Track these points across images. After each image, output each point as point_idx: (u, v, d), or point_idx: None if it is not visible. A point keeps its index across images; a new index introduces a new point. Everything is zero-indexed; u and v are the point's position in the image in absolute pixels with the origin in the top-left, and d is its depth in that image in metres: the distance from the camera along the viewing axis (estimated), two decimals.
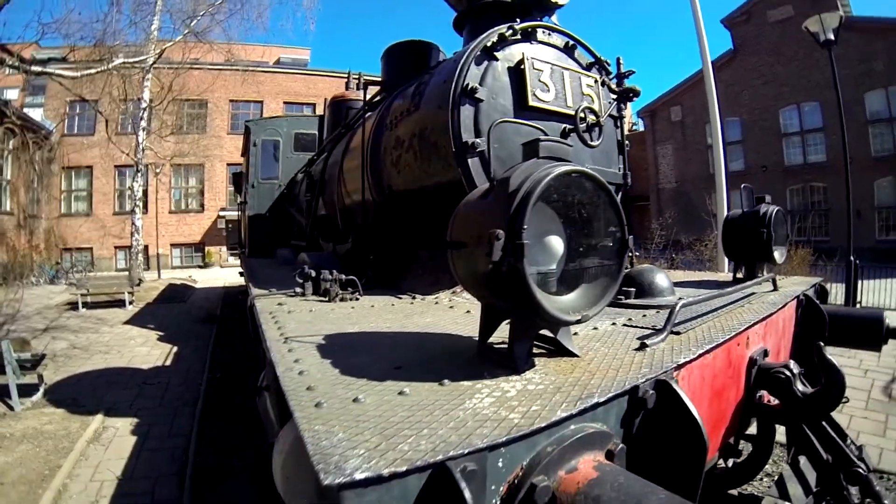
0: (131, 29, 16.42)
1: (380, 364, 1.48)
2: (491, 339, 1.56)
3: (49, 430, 5.93)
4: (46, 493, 4.50)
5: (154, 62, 16.28)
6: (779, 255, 3.47)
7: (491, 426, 1.05)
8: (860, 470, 2.32)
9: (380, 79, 5.18)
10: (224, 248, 31.83)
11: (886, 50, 23.39)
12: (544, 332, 1.51)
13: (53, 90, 27.32)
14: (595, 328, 2.01)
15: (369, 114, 4.61)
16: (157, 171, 22.39)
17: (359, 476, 0.83)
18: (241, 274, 14.50)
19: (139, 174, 19.68)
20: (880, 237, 24.24)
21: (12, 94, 25.07)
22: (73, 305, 14.82)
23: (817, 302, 3.14)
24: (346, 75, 6.90)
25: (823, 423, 2.32)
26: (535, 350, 1.55)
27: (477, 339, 1.60)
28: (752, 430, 2.87)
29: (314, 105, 31.03)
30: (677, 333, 1.78)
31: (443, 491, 0.91)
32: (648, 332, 1.80)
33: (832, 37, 10.70)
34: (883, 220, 24.46)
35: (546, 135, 1.65)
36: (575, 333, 1.79)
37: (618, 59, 3.66)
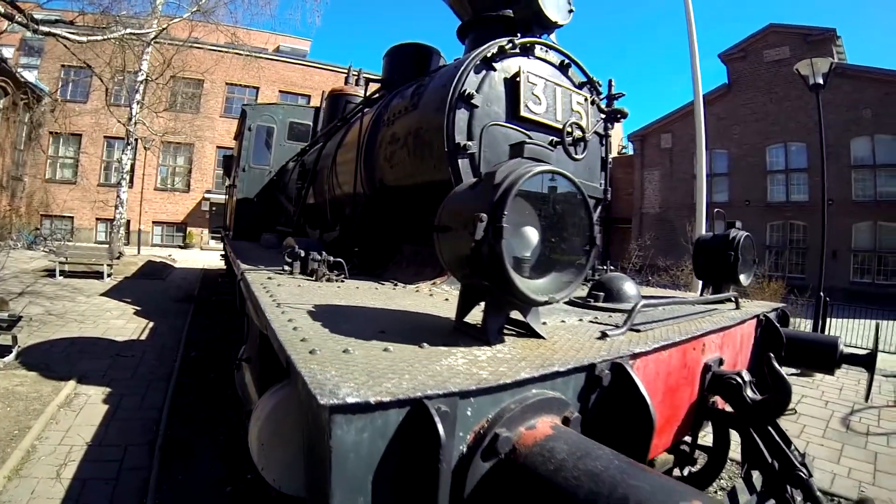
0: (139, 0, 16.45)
1: (366, 328, 1.63)
2: (466, 319, 1.73)
3: (20, 392, 5.96)
4: (15, 453, 4.53)
5: (156, 36, 16.27)
6: (744, 277, 3.68)
7: (463, 378, 1.21)
8: (802, 474, 2.49)
9: (380, 77, 5.33)
10: (206, 231, 31.67)
11: (876, 99, 24.07)
12: (516, 316, 1.68)
13: (50, 53, 27.16)
14: (563, 321, 2.18)
15: (367, 109, 4.76)
16: (148, 145, 22.26)
17: (350, 400, 0.98)
18: (223, 256, 14.50)
19: (129, 147, 19.58)
20: (854, 279, 24.85)
21: (6, 52, 24.74)
22: (50, 273, 14.72)
23: (776, 323, 3.33)
24: (343, 70, 7.05)
25: (770, 429, 2.49)
26: (505, 331, 1.71)
27: (454, 320, 1.76)
28: (708, 441, 3.07)
29: (309, 97, 31.10)
30: (637, 331, 1.96)
31: (419, 427, 1.07)
32: (611, 328, 1.97)
33: (821, 81, 11.06)
34: (858, 262, 25.04)
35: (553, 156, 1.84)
36: (544, 323, 1.96)
37: (609, 81, 3.86)
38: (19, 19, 8.18)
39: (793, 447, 2.61)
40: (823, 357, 3.30)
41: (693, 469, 3.49)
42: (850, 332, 12.46)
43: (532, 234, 1.54)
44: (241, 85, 31.81)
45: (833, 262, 24.82)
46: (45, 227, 27.35)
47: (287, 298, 2.13)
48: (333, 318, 1.79)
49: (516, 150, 1.60)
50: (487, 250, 1.37)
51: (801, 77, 11.61)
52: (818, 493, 2.59)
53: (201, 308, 11.77)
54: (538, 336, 1.71)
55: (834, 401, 7.73)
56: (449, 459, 1.09)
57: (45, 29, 9.18)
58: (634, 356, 1.63)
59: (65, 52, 20.22)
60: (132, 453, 4.72)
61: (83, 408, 5.67)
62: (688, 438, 3.72)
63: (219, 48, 24.60)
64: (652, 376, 1.79)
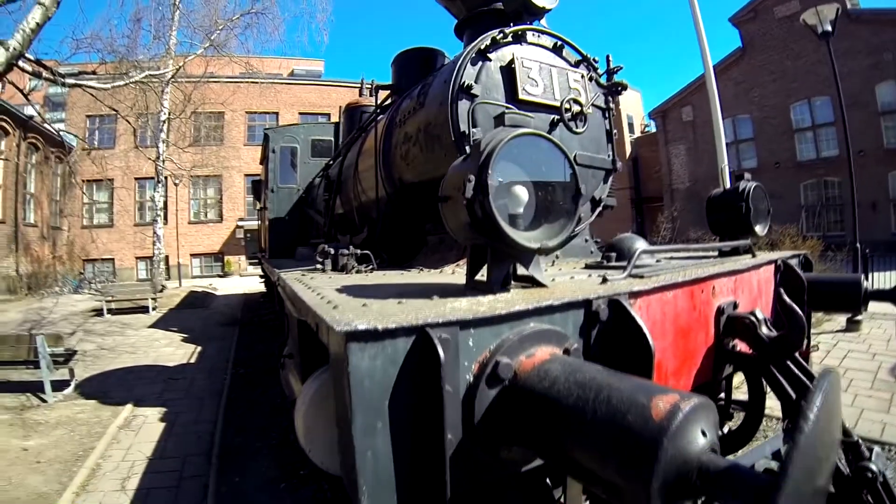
0: (155, 43, 17.11)
1: (386, 293, 1.81)
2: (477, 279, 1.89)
3: (82, 418, 6.33)
4: (81, 471, 4.85)
5: (174, 75, 16.89)
6: (760, 228, 3.70)
7: (462, 312, 1.35)
8: None
9: (390, 84, 5.52)
10: (243, 258, 32.41)
11: (895, 41, 23.38)
12: (522, 272, 1.83)
13: (73, 106, 28.24)
14: (571, 277, 2.32)
15: (381, 116, 4.95)
16: (177, 181, 22.99)
17: (361, 327, 1.15)
18: (262, 278, 14.89)
19: (160, 184, 20.27)
20: None
21: (30, 111, 25.88)
22: (97, 312, 15.38)
23: (795, 268, 3.36)
24: (359, 84, 7.27)
25: (791, 364, 2.55)
26: (513, 286, 1.86)
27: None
28: (744, 396, 3.12)
29: (329, 115, 31.59)
30: (640, 276, 2.07)
31: (425, 355, 1.23)
32: (615, 275, 2.09)
33: (830, 28, 10.83)
34: None
35: (533, 123, 1.98)
36: (553, 279, 2.10)
37: (607, 57, 3.96)
38: (46, 75, 8.65)
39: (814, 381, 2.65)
40: (848, 296, 3.30)
41: (732, 426, 3.56)
42: (888, 282, 12.20)
43: (522, 192, 1.69)
44: (260, 112, 32.60)
45: (873, 214, 24.12)
46: (88, 272, 28.31)
47: (318, 286, 2.31)
48: (358, 291, 1.95)
49: (498, 120, 1.77)
50: (479, 207, 1.53)
51: (809, 28, 11.37)
52: (846, 426, 2.63)
53: (246, 330, 12.17)
54: (542, 285, 1.85)
55: (881, 353, 7.61)
56: (453, 383, 1.25)
57: (72, 81, 9.66)
58: (633, 294, 1.75)
59: (88, 103, 21.07)
60: (190, 463, 4.98)
61: (142, 427, 5.99)
62: (722, 395, 3.79)
63: (235, 80, 25.25)
64: (658, 316, 1.90)
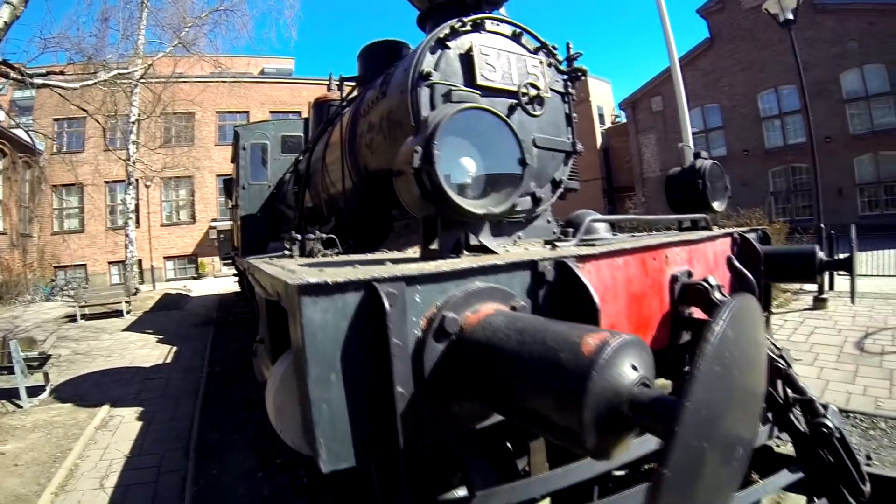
0: (123, 42, 16.89)
1: (347, 269, 1.88)
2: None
3: (58, 421, 6.28)
4: (59, 472, 4.84)
5: (143, 74, 16.69)
6: (718, 204, 3.84)
7: (410, 270, 1.44)
8: (780, 365, 2.66)
9: (356, 76, 5.55)
10: (217, 259, 32.15)
11: (860, 30, 23.96)
12: (475, 242, 1.91)
13: (40, 110, 27.69)
14: (526, 249, 2.41)
15: (347, 108, 5.00)
16: (148, 183, 22.71)
17: (312, 280, 1.23)
18: (236, 276, 14.81)
19: (131, 187, 20.00)
20: (863, 213, 24.70)
21: None
22: (71, 318, 15.19)
23: (751, 240, 3.47)
24: (327, 81, 7.28)
25: None
26: (464, 254, 1.93)
27: None
28: None
29: (300, 112, 31.35)
30: (591, 244, 2.16)
31: (374, 309, 1.31)
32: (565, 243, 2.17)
33: (791, 17, 11.10)
34: (865, 196, 24.92)
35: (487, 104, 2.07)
36: (507, 250, 2.18)
37: (567, 44, 4.06)
38: (14, 76, 8.53)
39: (769, 342, 2.76)
40: (804, 267, 3.42)
41: None
42: (862, 263, 12.54)
43: (470, 164, 1.77)
44: (231, 112, 32.29)
45: (840, 198, 24.74)
46: (60, 278, 27.83)
47: (283, 264, 2.36)
48: (319, 265, 2.02)
49: (446, 97, 1.85)
50: (427, 177, 1.61)
51: (771, 16, 11.63)
52: (803, 385, 2.75)
53: (220, 329, 12.12)
54: (492, 253, 1.93)
55: (847, 328, 7.90)
56: (402, 337, 1.33)
57: (40, 81, 9.53)
58: (581, 258, 1.84)
59: (55, 106, 20.73)
60: (168, 459, 5.01)
61: (119, 427, 5.98)
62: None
63: (205, 79, 24.99)
64: (609, 281, 1.99)
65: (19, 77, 8.70)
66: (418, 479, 1.90)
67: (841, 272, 3.62)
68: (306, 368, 1.23)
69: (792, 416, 2.71)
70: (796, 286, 11.17)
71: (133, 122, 19.66)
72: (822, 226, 10.48)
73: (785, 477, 2.57)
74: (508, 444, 2.11)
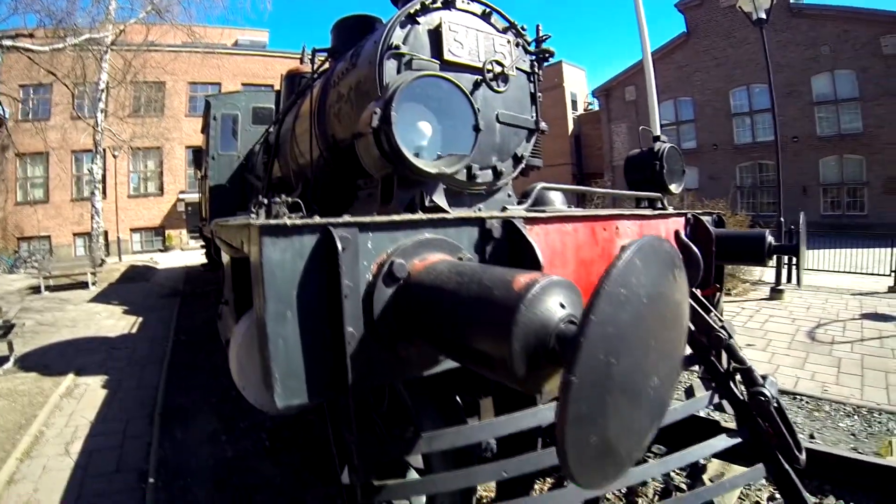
0: (95, 6, 16.47)
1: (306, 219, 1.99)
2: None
3: (23, 390, 6.25)
4: (24, 438, 4.84)
5: (114, 40, 16.32)
6: (675, 186, 4.02)
7: (363, 219, 1.54)
8: (721, 335, 2.82)
9: (328, 48, 5.58)
10: (184, 232, 31.69)
11: (834, 35, 24.57)
12: (429, 203, 2.03)
13: (6, 75, 26.81)
14: (478, 209, 2.53)
15: (318, 80, 5.04)
16: (116, 153, 22.26)
17: (272, 222, 1.33)
18: (203, 247, 14.71)
19: (98, 156, 19.59)
20: (825, 213, 25.47)
21: None
22: (35, 289, 14.95)
23: (704, 222, 3.63)
24: (300, 55, 7.25)
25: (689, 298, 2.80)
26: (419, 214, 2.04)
27: None
28: None
29: (272, 86, 30.95)
30: (542, 212, 2.28)
31: (328, 252, 1.42)
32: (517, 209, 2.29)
33: (764, 16, 11.35)
34: (828, 197, 25.69)
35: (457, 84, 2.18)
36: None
37: (537, 26, 4.17)
38: None
39: (713, 314, 2.93)
40: (754, 250, 3.61)
41: None
42: (820, 259, 12.99)
43: (426, 128, 1.89)
44: (203, 83, 31.65)
45: (804, 197, 25.47)
46: (24, 250, 27.17)
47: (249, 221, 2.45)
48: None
49: (407, 65, 1.96)
50: (385, 138, 1.72)
51: (745, 14, 11.88)
52: (742, 356, 2.91)
53: (187, 301, 12.08)
54: (445, 212, 2.04)
55: (801, 318, 8.25)
56: (353, 279, 1.45)
57: (9, 43, 9.30)
58: (529, 221, 1.96)
59: (21, 71, 20.12)
60: (134, 424, 5.05)
61: (84, 395, 5.98)
62: None
63: (177, 49, 24.49)
64: (557, 245, 2.12)
65: None
66: (370, 427, 2.01)
67: (788, 254, 3.81)
68: (265, 305, 1.33)
69: (732, 385, 2.86)
70: (756, 276, 11.57)
71: (102, 90, 19.21)
72: (782, 220, 10.82)
73: (723, 441, 2.73)
74: (458, 399, 2.24)
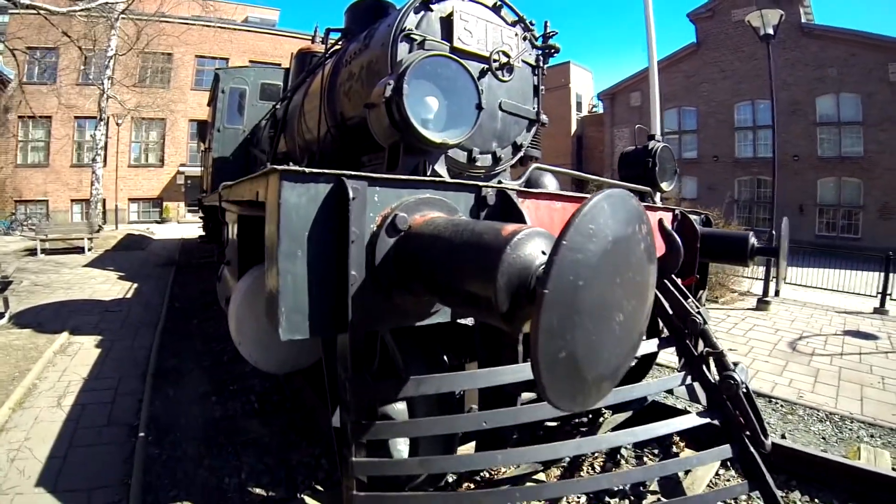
0: None
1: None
2: None
3: (17, 345, 6.36)
4: (17, 389, 4.94)
5: (127, 7, 16.34)
6: (666, 184, 4.18)
7: (372, 176, 1.70)
8: (696, 320, 2.96)
9: (342, 28, 5.71)
10: (182, 205, 31.72)
11: (841, 59, 24.76)
12: (430, 173, 2.18)
13: (12, 36, 26.67)
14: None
15: (330, 60, 5.17)
16: (120, 121, 22.28)
17: (293, 168, 1.50)
18: (203, 218, 14.80)
19: (102, 123, 19.62)
20: (820, 233, 25.74)
21: None
22: (31, 252, 15.02)
23: (692, 220, 3.79)
24: (311, 37, 7.34)
25: (668, 283, 2.96)
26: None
27: None
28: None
29: (280, 64, 30.85)
30: (536, 193, 2.43)
31: (339, 200, 1.57)
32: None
33: (772, 32, 11.50)
34: (824, 217, 25.94)
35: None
36: None
37: (545, 23, 4.32)
38: None
39: (690, 300, 3.08)
40: (737, 249, 3.78)
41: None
42: (810, 277, 13.19)
43: (433, 102, 2.05)
44: (210, 57, 31.57)
45: (800, 216, 25.71)
46: (21, 213, 27.16)
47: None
48: None
49: (420, 45, 2.11)
50: (395, 107, 1.87)
51: (753, 29, 12.03)
52: (714, 340, 3.05)
53: (182, 271, 12.20)
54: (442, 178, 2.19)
55: (784, 329, 8.42)
56: (360, 227, 1.60)
57: (27, 1, 9.36)
58: (522, 194, 2.12)
59: (28, 33, 20.11)
60: (126, 382, 5.17)
61: (78, 353, 6.09)
62: None
63: (187, 21, 24.48)
64: (546, 220, 2.27)
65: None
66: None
67: (770, 256, 3.96)
68: (278, 242, 1.48)
69: (705, 368, 3.01)
70: (745, 287, 11.76)
71: (111, 57, 19.23)
72: (773, 233, 10.99)
73: (692, 419, 2.88)
74: (445, 359, 2.39)
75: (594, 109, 39.02)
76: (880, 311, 10.26)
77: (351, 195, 1.57)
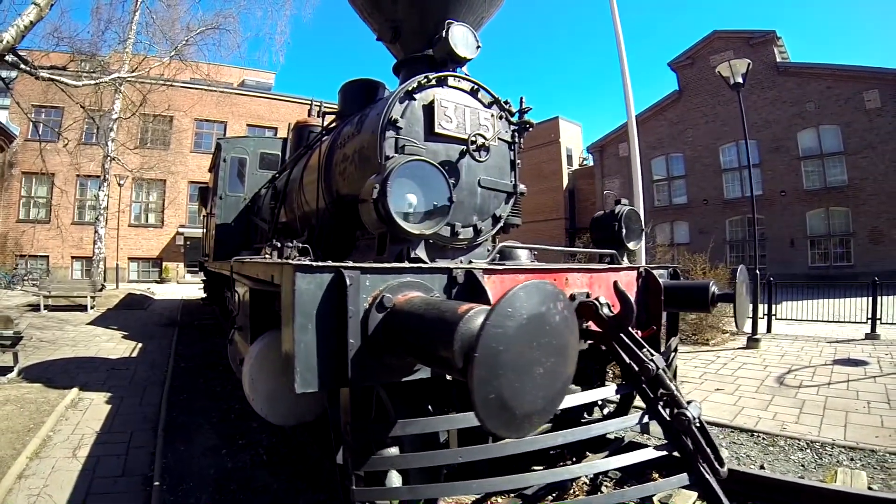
0: (120, 46, 17.35)
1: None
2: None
3: (30, 398, 6.64)
4: (33, 440, 5.21)
5: (139, 77, 17.16)
6: (633, 244, 4.63)
7: (364, 266, 2.17)
8: (649, 366, 3.31)
9: (336, 108, 6.23)
10: (181, 265, 32.26)
11: (818, 92, 25.92)
12: (413, 256, 2.64)
13: (19, 94, 27.51)
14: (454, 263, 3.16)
15: (326, 137, 5.67)
16: (122, 182, 22.93)
17: (304, 262, 1.95)
18: (203, 281, 15.18)
19: (106, 183, 20.23)
20: (813, 264, 26.39)
21: None
22: (34, 307, 15.30)
23: (654, 274, 4.19)
24: (305, 101, 7.90)
25: (624, 336, 3.33)
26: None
27: None
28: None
29: (276, 128, 32.09)
30: (503, 265, 2.90)
31: (339, 286, 2.02)
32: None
33: (741, 80, 12.20)
34: (816, 249, 26.62)
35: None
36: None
37: (521, 99, 4.82)
38: (24, 68, 9.07)
39: (645, 349, 3.43)
40: (699, 298, 4.19)
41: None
42: (803, 310, 13.53)
43: (413, 198, 2.53)
44: (209, 120, 32.79)
45: (791, 250, 26.29)
46: (21, 267, 27.51)
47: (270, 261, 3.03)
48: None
49: (401, 150, 2.61)
50: (380, 205, 2.35)
51: (723, 79, 12.75)
52: (669, 382, 3.41)
53: (185, 331, 12.50)
54: (425, 262, 2.65)
55: (773, 365, 8.61)
56: (356, 307, 2.05)
57: (46, 74, 10.01)
58: (488, 272, 2.57)
59: (34, 92, 20.91)
60: (137, 436, 5.46)
61: (89, 408, 6.38)
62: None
63: (188, 85, 25.41)
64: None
65: (29, 70, 9.24)
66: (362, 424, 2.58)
67: (728, 302, 4.36)
68: (293, 317, 1.93)
69: (660, 408, 3.37)
70: (735, 328, 11.98)
71: (114, 120, 19.97)
72: (757, 272, 11.39)
73: (649, 453, 3.25)
74: (430, 408, 2.81)
75: (584, 162, 39.94)
76: (871, 336, 10.57)
77: (348, 282, 2.05)
